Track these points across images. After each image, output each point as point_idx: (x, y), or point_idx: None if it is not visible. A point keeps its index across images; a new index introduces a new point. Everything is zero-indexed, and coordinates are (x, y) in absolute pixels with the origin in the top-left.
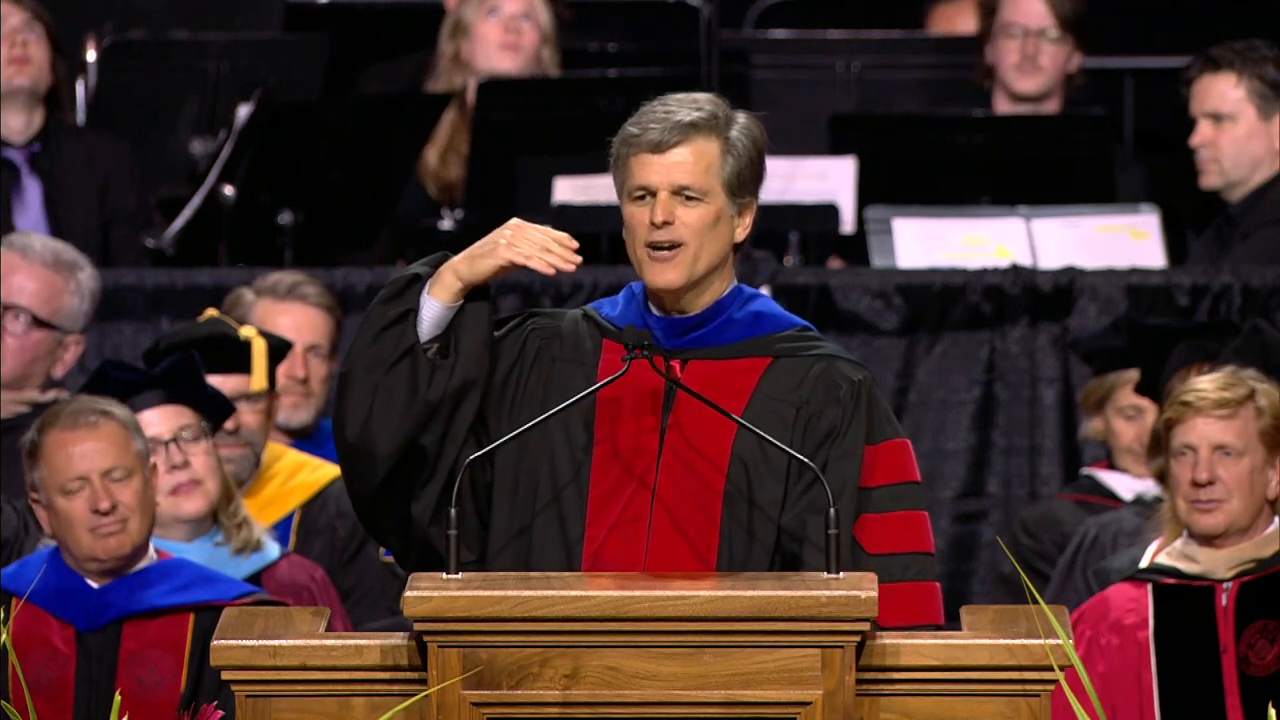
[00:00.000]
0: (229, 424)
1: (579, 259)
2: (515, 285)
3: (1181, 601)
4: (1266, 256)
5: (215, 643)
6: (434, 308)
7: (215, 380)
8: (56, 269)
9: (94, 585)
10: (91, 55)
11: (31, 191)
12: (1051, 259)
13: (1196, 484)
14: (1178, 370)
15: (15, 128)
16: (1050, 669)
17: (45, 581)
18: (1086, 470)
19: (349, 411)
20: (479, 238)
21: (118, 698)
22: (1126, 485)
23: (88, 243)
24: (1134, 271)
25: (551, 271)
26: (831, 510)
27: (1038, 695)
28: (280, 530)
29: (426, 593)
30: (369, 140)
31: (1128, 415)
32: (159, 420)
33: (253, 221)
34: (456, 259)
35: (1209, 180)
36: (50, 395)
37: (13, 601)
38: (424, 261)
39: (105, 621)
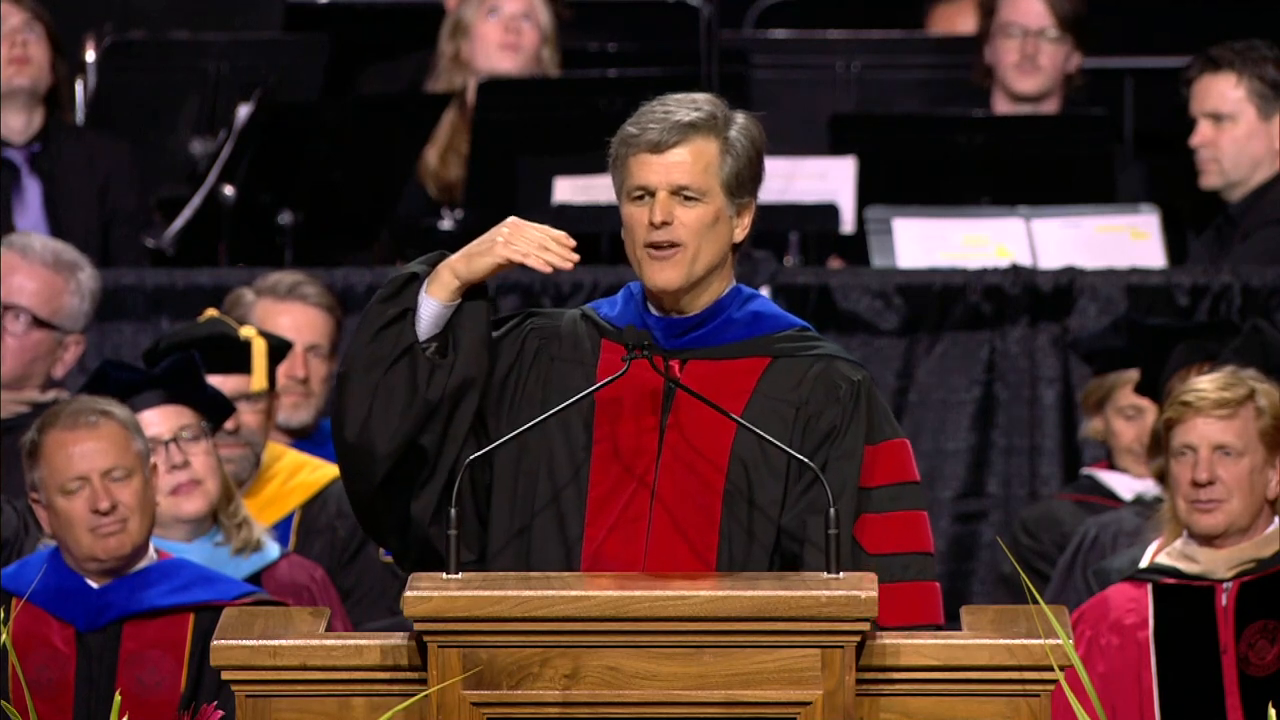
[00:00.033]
0: (229, 424)
1: (576, 257)
2: (515, 285)
3: (1181, 601)
4: (1266, 256)
5: (215, 643)
6: (432, 306)
7: (215, 380)
8: (56, 269)
9: (94, 585)
10: (91, 55)
11: (31, 191)
12: (1051, 259)
13: (1196, 484)
14: (1178, 370)
15: (15, 128)
16: (1050, 669)
17: (45, 581)
18: (1086, 470)
19: (348, 411)
20: (478, 237)
21: (118, 698)
22: (1126, 485)
23: (88, 243)
24: (1134, 271)
25: (549, 269)
26: (831, 510)
27: (1038, 695)
28: (280, 530)
29: (426, 593)
30: (369, 140)
31: (1128, 415)
32: (159, 420)
33: (253, 221)
34: (454, 258)
35: (1209, 180)
36: (50, 395)
37: (13, 601)
38: (421, 260)
39: (105, 621)
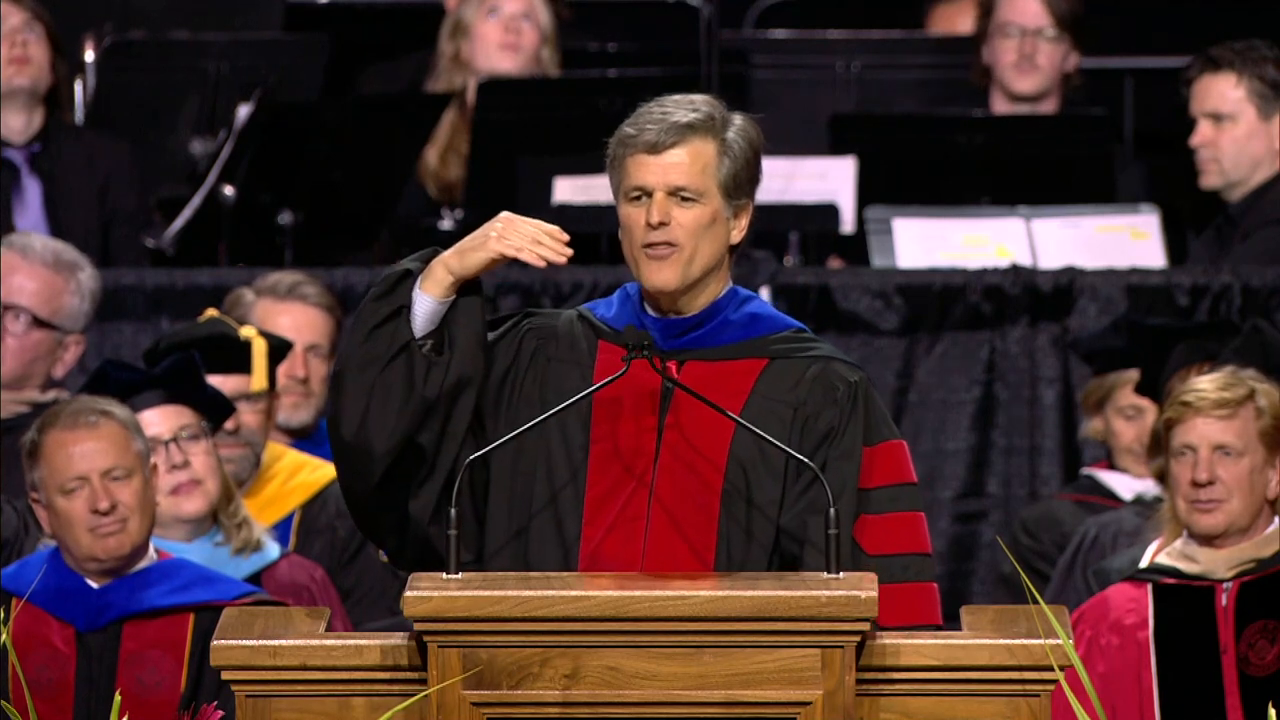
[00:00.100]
0: (229, 424)
1: (569, 251)
2: (515, 285)
3: (1181, 601)
4: (1266, 256)
5: (215, 643)
6: (426, 303)
7: (215, 380)
8: (57, 269)
9: (94, 585)
10: (91, 55)
11: (31, 191)
12: (1051, 259)
13: (1196, 484)
14: (1178, 370)
15: (15, 128)
16: (1050, 669)
17: (45, 581)
18: (1086, 470)
19: (344, 411)
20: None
21: (118, 698)
22: (1126, 485)
23: (88, 243)
24: (1134, 271)
25: (542, 264)
26: (831, 510)
27: (1038, 695)
28: (280, 530)
29: (426, 593)
30: (369, 140)
31: (1128, 415)
32: (159, 420)
33: (253, 221)
34: (447, 253)
35: (1209, 180)
36: (50, 395)
37: (13, 601)
38: (414, 257)
39: (105, 621)
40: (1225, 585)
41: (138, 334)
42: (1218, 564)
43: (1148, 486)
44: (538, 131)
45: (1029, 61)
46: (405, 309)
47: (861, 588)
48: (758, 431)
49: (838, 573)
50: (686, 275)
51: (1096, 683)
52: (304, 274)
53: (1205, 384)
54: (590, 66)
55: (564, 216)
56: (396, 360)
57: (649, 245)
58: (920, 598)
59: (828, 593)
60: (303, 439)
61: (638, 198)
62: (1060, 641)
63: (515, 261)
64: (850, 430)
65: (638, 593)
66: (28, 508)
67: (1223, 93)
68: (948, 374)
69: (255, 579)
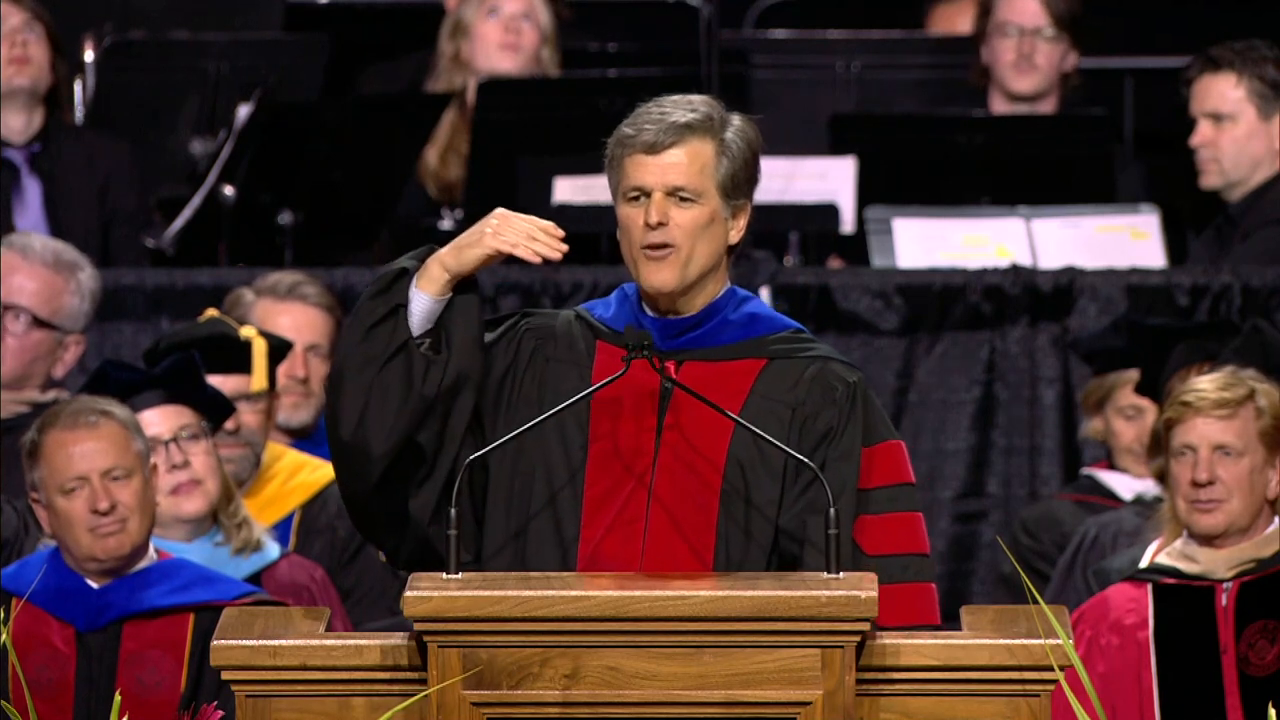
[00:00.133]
0: (229, 424)
1: (565, 247)
2: (515, 285)
3: (1181, 601)
4: (1266, 256)
5: (215, 643)
6: (423, 301)
7: (215, 380)
8: (57, 269)
9: (94, 585)
10: (91, 55)
11: (31, 191)
12: (1051, 259)
13: (1196, 484)
14: (1178, 370)
15: (15, 128)
16: (1050, 669)
17: (45, 581)
18: (1086, 470)
19: (343, 411)
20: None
21: (118, 698)
22: (1126, 485)
23: (88, 243)
24: (1134, 271)
25: (538, 260)
26: (831, 510)
27: (1038, 695)
28: (280, 530)
29: (426, 593)
30: (369, 140)
31: (1128, 415)
32: (159, 420)
33: (253, 221)
34: (443, 251)
35: (1209, 180)
36: (50, 395)
37: (13, 601)
38: (410, 255)
39: (105, 621)
40: (1225, 585)
41: (138, 334)
42: (1218, 564)
43: (1148, 486)
44: (538, 131)
45: (1027, 61)
46: (402, 308)
47: (861, 588)
48: (757, 431)
49: (837, 573)
50: (685, 275)
51: (1096, 683)
52: (304, 274)
53: (1205, 384)
54: (590, 66)
55: (564, 216)
56: (394, 359)
57: (647, 245)
58: (920, 598)
59: (828, 593)
60: (303, 439)
61: (636, 198)
62: (1060, 641)
63: (513, 260)
64: (849, 430)
65: (637, 593)
66: (28, 508)
67: (1223, 93)
68: (948, 374)
69: (255, 579)
